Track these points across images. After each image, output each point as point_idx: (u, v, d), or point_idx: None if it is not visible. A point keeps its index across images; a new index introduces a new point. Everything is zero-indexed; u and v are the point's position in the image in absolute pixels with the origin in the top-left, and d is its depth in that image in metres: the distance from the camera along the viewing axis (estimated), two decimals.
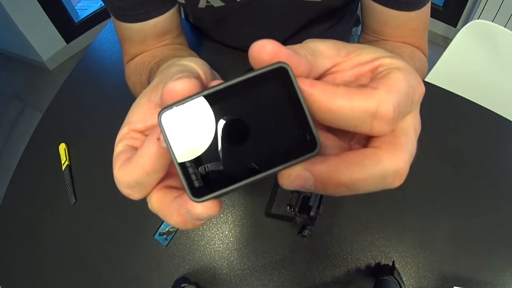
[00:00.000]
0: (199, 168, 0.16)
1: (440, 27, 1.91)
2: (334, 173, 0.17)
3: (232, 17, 0.60)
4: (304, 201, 0.46)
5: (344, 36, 0.76)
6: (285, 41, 0.66)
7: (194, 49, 0.76)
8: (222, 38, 0.72)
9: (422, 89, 0.19)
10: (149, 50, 0.53)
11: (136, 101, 0.24)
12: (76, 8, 2.10)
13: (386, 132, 0.17)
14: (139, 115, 0.23)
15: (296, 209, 0.45)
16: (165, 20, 0.52)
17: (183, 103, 0.16)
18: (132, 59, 0.54)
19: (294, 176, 0.17)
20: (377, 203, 0.53)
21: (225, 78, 0.50)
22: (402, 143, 0.18)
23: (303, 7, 0.56)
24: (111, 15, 0.52)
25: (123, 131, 0.23)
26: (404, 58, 0.40)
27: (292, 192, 0.49)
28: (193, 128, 0.16)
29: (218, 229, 0.54)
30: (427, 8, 0.49)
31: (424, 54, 0.53)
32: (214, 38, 0.74)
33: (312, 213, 0.44)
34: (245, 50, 0.71)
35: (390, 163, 0.17)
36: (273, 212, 0.54)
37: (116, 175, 0.20)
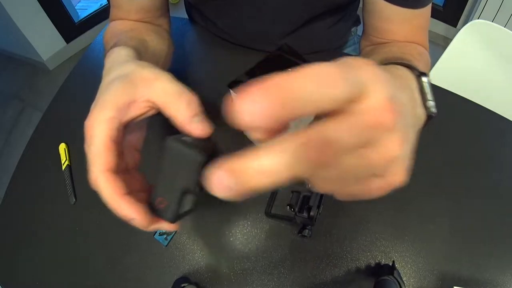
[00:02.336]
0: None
1: (440, 27, 1.91)
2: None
3: (235, 9, 0.60)
4: (304, 201, 0.46)
5: (344, 35, 0.76)
6: (287, 36, 0.65)
7: (194, 46, 0.76)
8: (223, 32, 0.72)
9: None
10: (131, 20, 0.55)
11: (115, 87, 0.27)
12: (76, 8, 2.10)
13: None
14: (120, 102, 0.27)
15: (296, 209, 0.45)
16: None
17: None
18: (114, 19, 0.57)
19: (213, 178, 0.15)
20: (377, 203, 0.53)
21: (226, 76, 0.50)
22: None
23: (308, 2, 0.56)
24: None
25: (112, 114, 0.26)
26: (414, 57, 0.39)
27: (292, 191, 0.49)
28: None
29: (218, 229, 0.54)
30: (429, 6, 0.49)
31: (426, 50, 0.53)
32: (213, 31, 0.74)
33: (312, 213, 0.44)
34: (245, 46, 0.71)
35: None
36: (273, 212, 0.54)
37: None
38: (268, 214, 0.53)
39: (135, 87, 0.27)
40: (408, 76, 0.32)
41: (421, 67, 0.37)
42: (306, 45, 0.67)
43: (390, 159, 0.18)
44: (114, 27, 0.53)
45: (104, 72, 0.34)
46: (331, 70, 0.15)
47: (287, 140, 0.15)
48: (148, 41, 0.47)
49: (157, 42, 0.51)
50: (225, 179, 0.15)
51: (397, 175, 0.19)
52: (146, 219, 0.24)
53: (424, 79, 0.32)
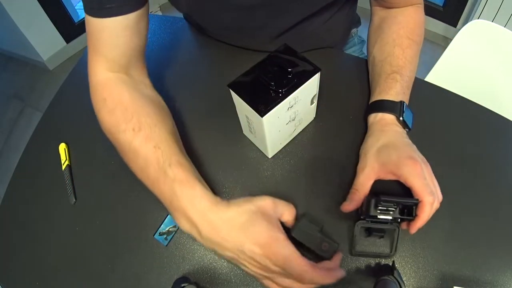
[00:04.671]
0: None
1: (440, 27, 1.91)
2: None
3: (230, 8, 0.60)
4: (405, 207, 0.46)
5: (343, 33, 0.76)
6: (283, 34, 0.65)
7: (193, 46, 0.76)
8: (219, 34, 0.72)
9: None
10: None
11: (265, 221, 0.40)
12: (76, 8, 2.10)
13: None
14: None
15: (398, 214, 0.46)
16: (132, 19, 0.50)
17: None
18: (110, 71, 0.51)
19: None
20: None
21: (225, 76, 0.51)
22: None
23: None
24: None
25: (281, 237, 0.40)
26: (404, 65, 0.56)
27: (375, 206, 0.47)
28: None
29: None
30: None
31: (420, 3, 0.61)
32: (208, 33, 0.74)
33: (414, 214, 0.45)
34: (241, 46, 0.71)
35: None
36: (358, 250, 0.50)
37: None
38: (354, 253, 0.50)
39: (275, 214, 0.43)
40: (391, 121, 0.53)
41: (412, 70, 0.57)
42: (302, 42, 0.67)
43: None
44: (115, 108, 0.49)
45: (205, 224, 0.40)
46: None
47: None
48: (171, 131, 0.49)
49: (168, 123, 0.51)
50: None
51: None
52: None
53: (401, 119, 0.52)
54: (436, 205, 0.46)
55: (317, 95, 0.55)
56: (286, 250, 0.38)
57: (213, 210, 0.40)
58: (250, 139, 0.60)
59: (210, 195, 0.42)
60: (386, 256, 0.49)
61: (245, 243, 0.38)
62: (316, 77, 0.49)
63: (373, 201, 0.46)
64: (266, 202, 0.42)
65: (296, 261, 0.38)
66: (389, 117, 0.53)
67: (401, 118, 0.52)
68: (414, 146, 0.50)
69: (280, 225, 0.42)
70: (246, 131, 0.59)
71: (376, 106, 0.55)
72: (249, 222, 0.39)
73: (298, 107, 0.52)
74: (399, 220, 0.47)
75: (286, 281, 0.40)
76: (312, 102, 0.56)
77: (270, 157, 0.58)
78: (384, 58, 0.57)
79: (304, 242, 0.46)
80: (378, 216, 0.46)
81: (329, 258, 0.45)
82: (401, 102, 0.53)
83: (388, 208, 0.46)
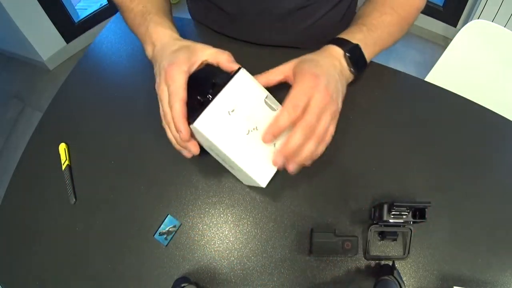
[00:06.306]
0: None
1: (440, 27, 1.91)
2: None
3: None
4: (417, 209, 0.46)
5: (343, 28, 0.76)
6: (287, 15, 0.65)
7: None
8: (223, 22, 0.71)
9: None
10: None
11: (183, 53, 0.47)
12: (76, 8, 2.10)
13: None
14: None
15: (410, 216, 0.46)
16: None
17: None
18: None
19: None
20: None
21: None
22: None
23: None
24: None
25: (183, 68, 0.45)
26: (370, 26, 0.56)
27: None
28: None
29: (218, 229, 0.54)
30: None
31: None
32: (209, 23, 0.74)
33: (427, 216, 0.45)
34: (242, 40, 0.70)
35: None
36: (372, 254, 0.50)
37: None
38: (368, 258, 0.50)
39: (196, 53, 0.47)
40: (336, 54, 0.52)
41: (385, 34, 0.56)
42: (302, 32, 0.67)
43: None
44: None
45: (159, 45, 0.51)
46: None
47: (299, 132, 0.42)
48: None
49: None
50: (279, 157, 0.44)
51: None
52: (188, 135, 0.43)
53: (347, 54, 0.51)
54: (320, 148, 0.45)
55: (273, 98, 0.47)
56: (178, 79, 0.44)
57: (169, 41, 0.51)
58: (240, 179, 0.55)
59: (172, 34, 0.52)
60: (399, 258, 0.49)
61: (163, 61, 0.48)
62: (242, 75, 0.45)
63: (385, 207, 0.46)
64: (200, 49, 0.48)
65: (176, 95, 0.43)
66: (335, 49, 0.52)
67: (347, 54, 0.51)
68: (335, 81, 0.47)
69: (190, 63, 0.46)
70: (234, 172, 0.53)
71: (329, 41, 0.54)
72: (175, 51, 0.48)
73: (252, 113, 0.45)
74: (411, 222, 0.47)
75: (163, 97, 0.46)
76: (271, 107, 0.46)
77: (264, 186, 0.45)
78: (360, 15, 0.59)
79: (327, 252, 0.48)
80: (390, 220, 0.46)
81: (354, 253, 0.48)
82: (356, 44, 0.52)
83: (401, 213, 0.46)
